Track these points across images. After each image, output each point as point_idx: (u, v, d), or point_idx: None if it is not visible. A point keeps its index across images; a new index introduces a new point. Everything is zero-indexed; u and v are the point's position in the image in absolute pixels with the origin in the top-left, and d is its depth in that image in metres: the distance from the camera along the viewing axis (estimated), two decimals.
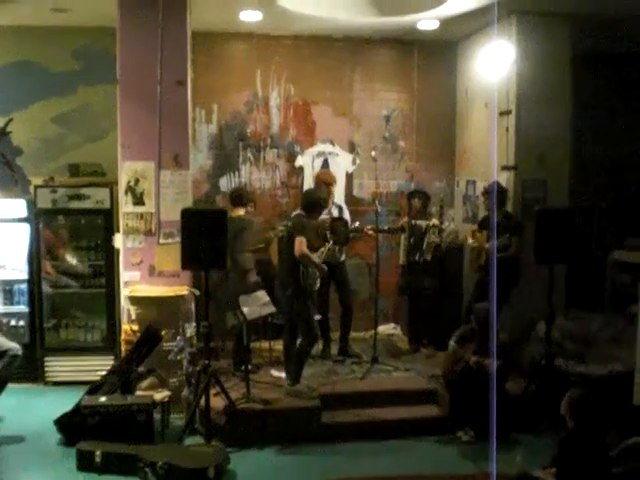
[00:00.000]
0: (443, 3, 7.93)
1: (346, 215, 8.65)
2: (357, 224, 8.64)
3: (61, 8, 8.12)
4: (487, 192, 8.35)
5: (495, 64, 8.50)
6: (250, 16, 8.59)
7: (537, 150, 8.60)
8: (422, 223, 8.71)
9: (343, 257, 8.57)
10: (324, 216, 8.01)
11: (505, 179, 8.59)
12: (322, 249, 7.47)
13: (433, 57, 10.02)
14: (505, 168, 8.61)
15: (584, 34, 8.62)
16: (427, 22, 8.84)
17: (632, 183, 9.91)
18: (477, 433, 6.90)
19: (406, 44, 9.90)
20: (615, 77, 9.81)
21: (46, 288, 8.55)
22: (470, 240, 8.62)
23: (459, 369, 7.09)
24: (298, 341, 7.33)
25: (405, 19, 8.67)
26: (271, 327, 8.38)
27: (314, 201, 7.48)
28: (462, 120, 10.00)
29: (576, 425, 5.30)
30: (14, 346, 7.08)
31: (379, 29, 9.26)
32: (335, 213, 8.43)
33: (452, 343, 7.34)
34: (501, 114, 8.65)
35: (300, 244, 7.04)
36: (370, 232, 8.56)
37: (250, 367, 7.56)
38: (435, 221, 8.80)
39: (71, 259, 8.66)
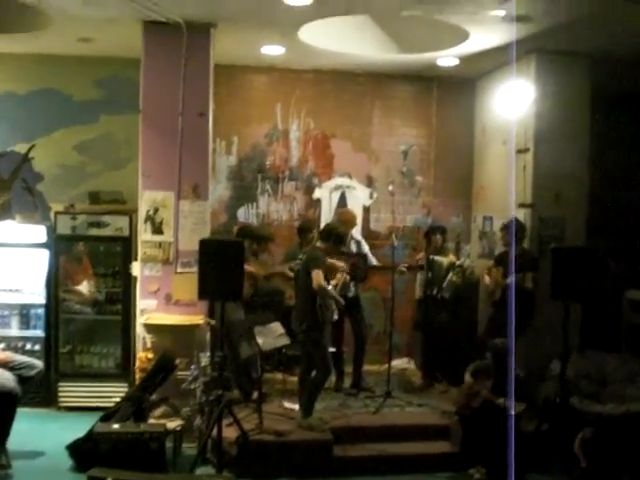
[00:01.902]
0: (464, 41, 8.01)
1: (365, 249, 8.69)
2: (375, 262, 8.69)
3: (86, 38, 8.29)
4: (506, 228, 8.36)
5: (513, 102, 8.55)
6: (272, 50, 8.71)
7: (554, 188, 8.61)
8: (442, 259, 8.72)
9: (358, 290, 8.58)
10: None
11: (522, 216, 8.59)
12: (336, 281, 7.48)
13: (452, 93, 10.09)
14: (522, 206, 8.62)
15: (603, 73, 8.65)
16: (447, 59, 8.93)
17: None
18: (489, 471, 6.85)
19: (425, 80, 9.99)
20: (633, 117, 9.85)
21: (62, 314, 8.59)
22: (486, 277, 8.62)
23: (475, 405, 7.06)
24: (313, 374, 7.33)
25: (425, 56, 8.76)
26: (285, 358, 8.37)
27: (335, 234, 7.49)
28: (479, 157, 10.05)
29: (589, 465, 5.27)
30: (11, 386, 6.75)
31: (399, 65, 9.34)
32: (353, 248, 8.47)
33: (468, 376, 7.32)
34: (519, 152, 8.68)
35: (317, 276, 7.07)
36: (403, 269, 8.61)
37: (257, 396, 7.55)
38: (453, 257, 8.81)
39: (89, 285, 8.71)
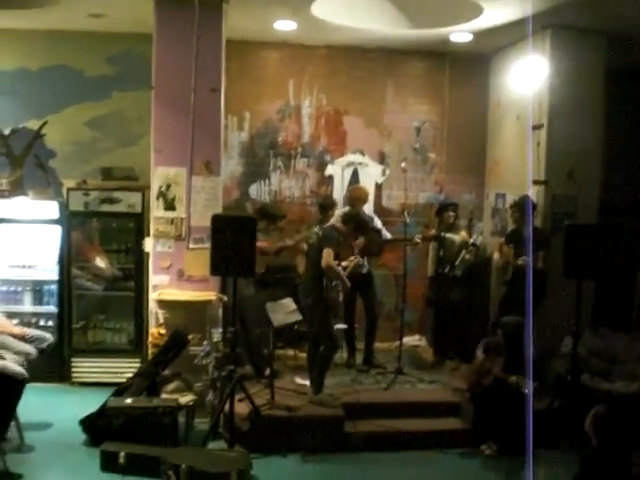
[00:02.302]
0: (478, 16, 7.94)
1: (378, 225, 8.69)
2: (389, 236, 8.69)
3: (98, 14, 8.26)
4: (516, 205, 8.33)
5: (528, 78, 8.50)
6: (284, 26, 8.66)
7: (568, 165, 8.56)
8: (454, 237, 8.71)
9: (371, 267, 8.60)
10: None
11: (535, 193, 8.55)
12: (347, 263, 7.48)
13: (465, 69, 10.02)
14: (535, 182, 8.58)
15: (618, 50, 8.57)
16: (460, 35, 8.85)
17: None
18: (500, 447, 6.88)
19: (439, 56, 9.91)
20: None
21: (75, 289, 8.65)
22: (497, 254, 8.60)
23: (487, 383, 7.07)
24: (320, 349, 7.35)
25: (439, 31, 8.69)
26: (297, 334, 8.40)
27: (356, 220, 7.49)
28: (493, 133, 9.99)
29: (600, 442, 5.27)
30: (24, 349, 6.98)
31: (412, 41, 9.27)
32: None
33: (479, 353, 7.33)
34: (533, 128, 8.62)
35: (328, 255, 7.07)
36: (418, 240, 8.60)
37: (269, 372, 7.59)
38: (465, 235, 8.80)
39: (101, 262, 8.74)
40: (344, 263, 7.42)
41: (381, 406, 7.50)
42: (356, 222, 7.42)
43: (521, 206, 8.15)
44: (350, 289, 7.55)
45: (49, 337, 7.33)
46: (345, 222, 7.42)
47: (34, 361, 6.97)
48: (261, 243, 8.04)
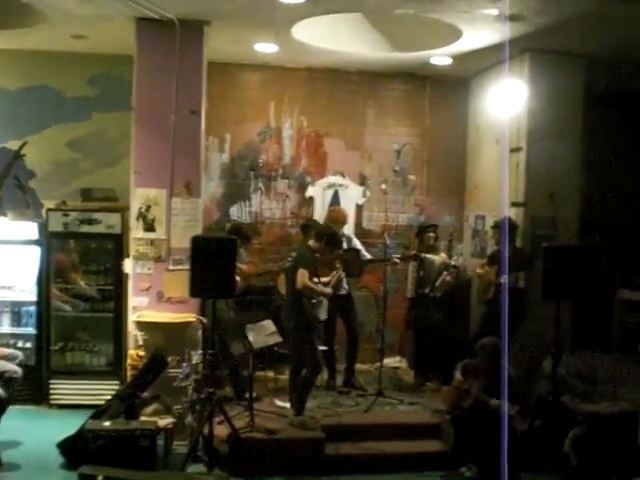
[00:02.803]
0: (457, 40, 8.01)
1: (357, 245, 8.71)
2: (369, 256, 8.71)
3: (80, 35, 8.27)
4: (497, 226, 8.37)
5: (507, 101, 8.56)
6: (266, 48, 8.70)
7: (547, 187, 8.63)
8: (434, 257, 8.74)
9: (351, 288, 8.60)
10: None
11: (515, 215, 8.60)
12: (329, 278, 7.49)
13: (445, 92, 10.09)
14: (515, 204, 8.63)
15: (596, 73, 8.66)
16: (440, 58, 8.92)
17: None
18: (480, 470, 6.86)
19: (419, 79, 9.99)
20: (626, 115, 9.87)
21: (54, 311, 8.57)
22: (479, 270, 8.62)
23: (466, 405, 7.07)
24: (303, 372, 7.33)
25: (419, 54, 8.76)
26: (277, 357, 8.37)
27: (328, 235, 7.48)
28: (473, 155, 10.06)
29: (579, 463, 5.28)
30: (11, 368, 7.03)
31: (393, 64, 9.34)
32: (344, 245, 8.47)
33: (457, 375, 7.33)
34: (512, 151, 8.68)
35: (302, 276, 7.06)
36: (396, 260, 8.61)
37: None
38: (444, 256, 8.83)
39: (80, 282, 8.69)
40: (324, 279, 7.42)
41: (361, 428, 7.47)
42: (328, 236, 7.42)
43: (502, 227, 8.19)
44: (332, 303, 7.55)
45: (18, 354, 7.36)
46: (318, 239, 7.42)
47: (19, 381, 6.98)
48: (243, 267, 8.05)
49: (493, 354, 6.96)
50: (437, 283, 8.63)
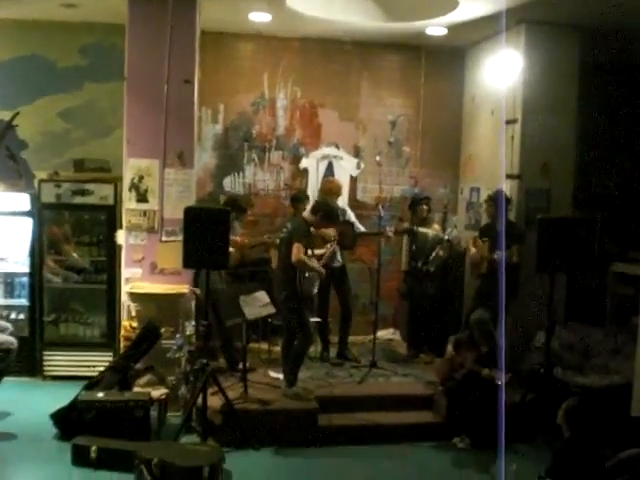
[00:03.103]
0: (453, 10, 7.94)
1: (352, 218, 8.68)
2: (363, 229, 8.68)
3: (70, 3, 8.16)
4: (491, 199, 8.34)
5: (502, 72, 8.52)
6: (259, 17, 8.61)
7: (541, 159, 8.60)
8: (427, 230, 8.72)
9: (345, 260, 8.59)
10: None
11: (509, 188, 8.58)
12: (324, 251, 7.48)
13: (440, 64, 10.02)
14: (509, 177, 8.61)
15: (591, 45, 8.62)
16: (436, 28, 8.85)
17: (636, 194, 9.91)
18: (473, 440, 6.90)
19: (414, 49, 9.90)
20: (620, 87, 9.84)
21: (47, 283, 8.55)
22: (472, 248, 8.61)
23: (459, 377, 7.10)
24: (295, 343, 7.33)
25: (414, 25, 8.68)
26: (270, 328, 8.38)
27: (324, 209, 7.44)
28: (468, 127, 10.01)
29: (572, 435, 5.30)
30: (7, 339, 7.06)
31: (388, 34, 9.26)
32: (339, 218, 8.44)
33: (450, 348, 7.35)
34: (507, 122, 8.65)
35: (298, 250, 7.02)
36: (390, 234, 8.59)
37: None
38: (438, 228, 8.82)
39: (73, 254, 8.66)
40: (318, 252, 7.40)
41: (355, 399, 7.50)
42: (324, 211, 7.37)
43: (495, 200, 8.17)
44: (326, 276, 7.54)
45: (9, 326, 7.39)
46: (314, 212, 7.37)
47: (15, 352, 7.03)
48: (237, 239, 8.04)
49: (482, 327, 6.99)
50: (430, 257, 8.62)
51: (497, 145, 8.91)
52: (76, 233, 8.73)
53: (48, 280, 8.56)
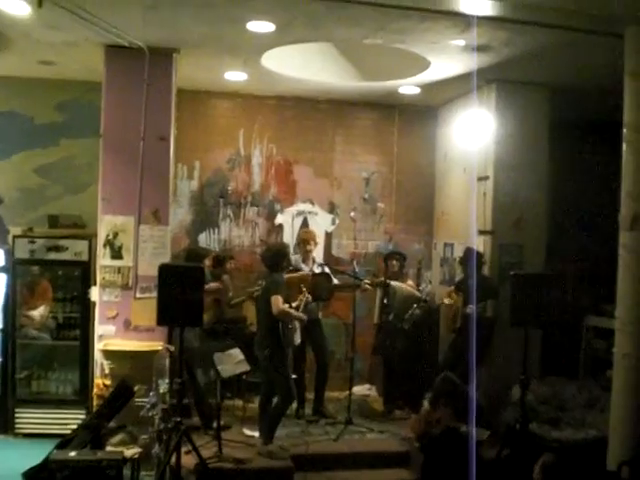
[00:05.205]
0: (424, 70, 8.09)
1: (327, 270, 8.69)
2: (338, 282, 8.71)
3: (48, 61, 8.23)
4: (463, 259, 8.43)
5: (474, 130, 8.66)
6: (235, 76, 8.73)
7: (514, 215, 8.70)
8: (398, 285, 8.74)
9: (319, 315, 8.58)
10: (306, 271, 8.12)
11: (482, 243, 8.66)
12: (298, 302, 7.48)
13: (413, 121, 10.19)
14: (482, 232, 8.69)
15: (562, 103, 8.79)
16: (408, 87, 9.02)
17: (606, 249, 10.01)
18: None
19: (387, 108, 10.08)
20: (590, 144, 10.03)
21: (19, 339, 8.45)
22: (446, 300, 8.64)
23: (437, 432, 7.06)
24: (274, 400, 7.27)
25: (387, 84, 8.84)
26: (245, 385, 8.32)
27: (276, 254, 7.48)
28: (441, 184, 10.13)
29: None
30: None
31: (361, 92, 9.42)
32: (315, 269, 8.47)
33: (426, 404, 7.33)
34: (479, 179, 8.77)
35: (277, 301, 7.06)
36: (367, 286, 8.60)
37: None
38: (411, 283, 8.86)
39: (44, 310, 8.58)
40: (294, 303, 7.41)
41: (330, 457, 7.43)
42: (273, 252, 7.48)
43: (465, 257, 8.27)
44: (307, 320, 7.57)
45: None
46: (270, 265, 7.44)
47: None
48: (213, 284, 8.05)
49: (455, 387, 7.01)
50: (406, 316, 8.64)
51: (469, 201, 9.00)
52: (50, 289, 8.65)
53: (21, 336, 8.46)
